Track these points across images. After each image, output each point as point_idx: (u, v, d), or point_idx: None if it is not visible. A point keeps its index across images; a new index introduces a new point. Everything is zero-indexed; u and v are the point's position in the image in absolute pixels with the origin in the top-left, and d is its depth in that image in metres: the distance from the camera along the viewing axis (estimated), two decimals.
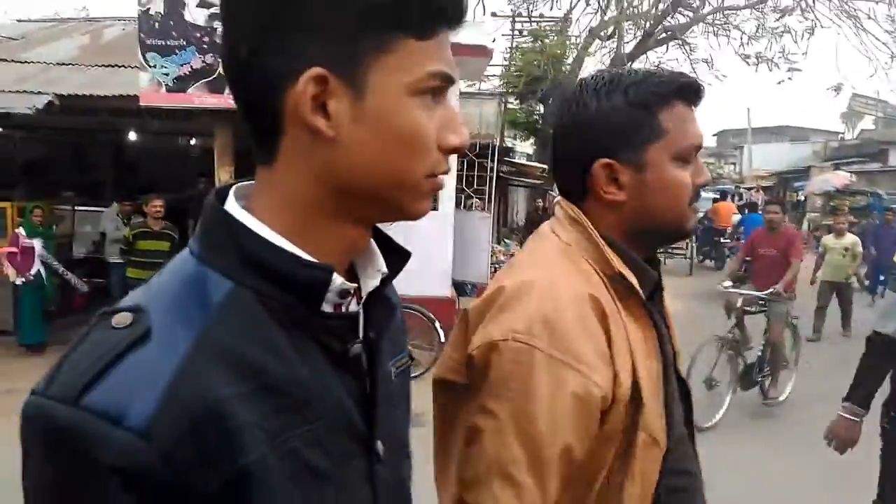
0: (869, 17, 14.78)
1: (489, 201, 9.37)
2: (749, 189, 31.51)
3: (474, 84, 12.99)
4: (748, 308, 6.25)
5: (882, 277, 12.16)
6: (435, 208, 7.74)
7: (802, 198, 25.74)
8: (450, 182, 7.87)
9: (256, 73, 0.66)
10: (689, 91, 1.13)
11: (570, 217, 1.16)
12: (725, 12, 15.59)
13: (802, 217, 22.61)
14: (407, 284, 6.64)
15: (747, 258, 7.00)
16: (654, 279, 1.18)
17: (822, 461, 4.67)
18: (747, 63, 16.32)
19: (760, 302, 6.22)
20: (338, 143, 0.67)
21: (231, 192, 0.73)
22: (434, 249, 7.41)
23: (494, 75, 16.41)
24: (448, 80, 0.70)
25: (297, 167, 0.69)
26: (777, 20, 15.42)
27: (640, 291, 1.11)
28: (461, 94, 10.91)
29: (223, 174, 7.09)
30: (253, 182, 0.73)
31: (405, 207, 0.72)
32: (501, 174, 11.59)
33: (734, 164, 45.94)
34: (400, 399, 0.85)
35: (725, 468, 4.46)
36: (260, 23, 0.66)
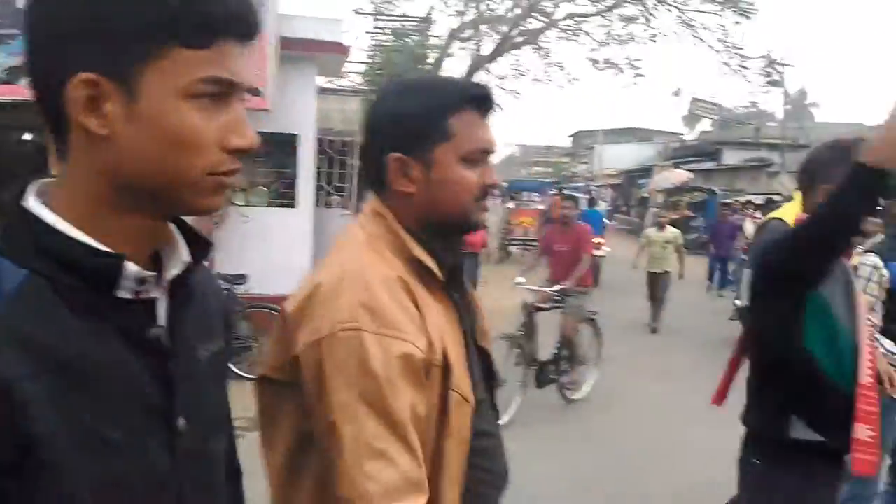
0: (704, 28, 16.04)
1: (350, 198, 9.35)
2: (599, 187, 33.32)
3: (333, 81, 12.90)
4: (542, 305, 6.17)
5: (720, 268, 13.23)
6: (293, 206, 7.65)
7: (646, 194, 27.54)
8: (308, 180, 7.78)
9: (43, 76, 0.74)
10: (480, 100, 1.27)
11: (374, 210, 1.28)
12: (576, 19, 16.36)
13: (646, 212, 24.16)
14: (266, 283, 6.53)
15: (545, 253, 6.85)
16: (451, 263, 1.30)
17: (617, 458, 5.03)
18: (597, 68, 17.25)
19: (556, 298, 6.16)
20: (114, 141, 0.73)
21: (30, 188, 0.78)
22: (293, 247, 7.30)
23: (357, 72, 16.38)
24: (229, 86, 0.76)
25: (83, 163, 0.75)
26: (623, 28, 16.40)
27: (439, 273, 1.23)
28: (321, 90, 10.80)
29: (58, 170, 6.63)
30: (54, 178, 0.79)
31: (188, 203, 0.78)
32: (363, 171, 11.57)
33: (586, 163, 48.27)
34: (212, 380, 0.91)
35: (518, 468, 4.69)
36: (45, 30, 0.73)
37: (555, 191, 17.16)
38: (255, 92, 6.75)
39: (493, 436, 1.33)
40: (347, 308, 1.10)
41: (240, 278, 6.33)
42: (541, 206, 18.38)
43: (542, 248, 6.90)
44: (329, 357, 1.08)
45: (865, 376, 2.03)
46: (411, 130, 1.22)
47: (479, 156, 1.25)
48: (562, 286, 5.96)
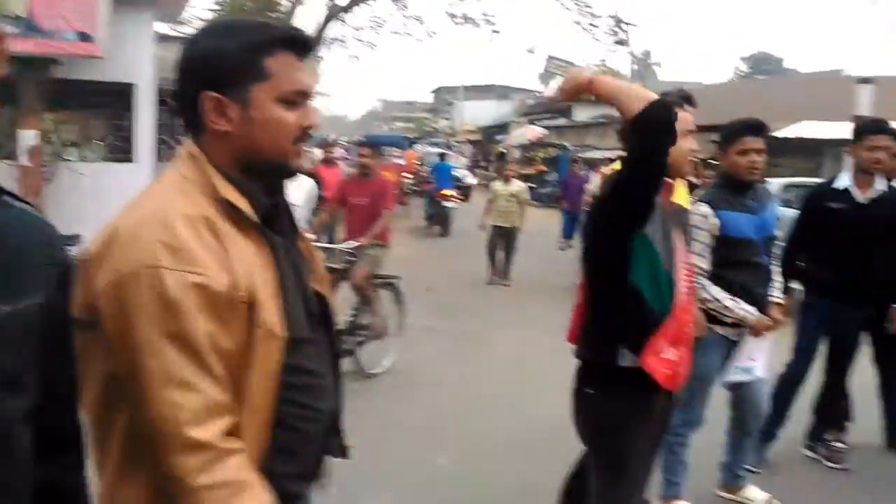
0: None
1: None
2: (460, 142, 33.83)
3: (176, 28, 12.13)
4: (334, 265, 5.34)
5: (570, 221, 13.77)
6: (131, 161, 7.20)
7: (504, 150, 28.30)
8: (148, 133, 7.34)
9: None
10: (295, 42, 1.28)
11: (188, 152, 1.28)
12: None
13: (505, 167, 24.83)
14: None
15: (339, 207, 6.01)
16: (269, 205, 1.31)
17: (472, 400, 5.23)
18: (455, 22, 17.30)
19: (350, 257, 5.52)
20: None
21: None
22: None
23: (205, 19, 15.47)
24: None
25: None
26: None
27: (251, 214, 1.24)
28: (162, 37, 10.12)
29: None
30: None
31: None
32: None
33: (448, 118, 48.70)
34: (11, 338, 0.87)
35: (371, 412, 4.70)
36: None
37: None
38: (86, 38, 6.24)
39: (319, 375, 1.36)
40: (147, 247, 1.12)
41: (73, 238, 5.89)
42: (400, 161, 18.54)
43: (336, 201, 5.99)
44: (129, 296, 1.11)
45: (679, 307, 2.28)
46: (227, 69, 1.23)
47: (296, 97, 1.27)
48: (357, 243, 5.41)
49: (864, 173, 3.87)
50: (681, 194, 2.58)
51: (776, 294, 3.38)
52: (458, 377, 5.61)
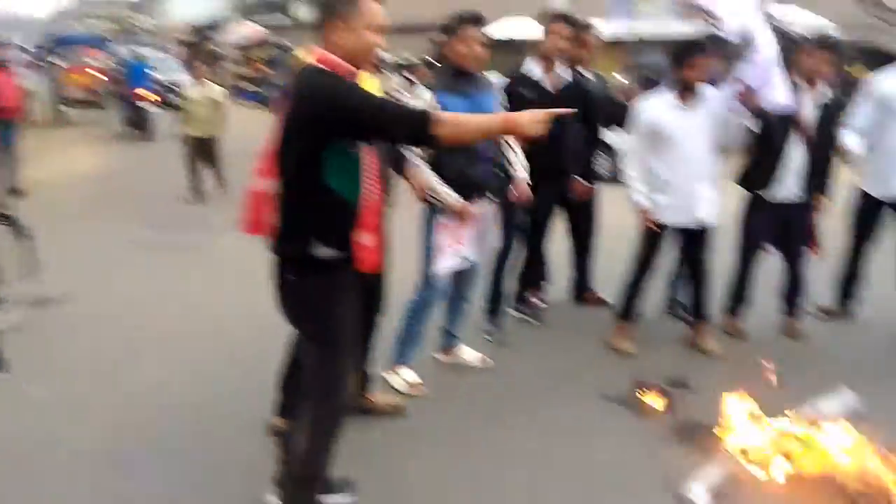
0: None
1: None
2: (170, 44, 30.96)
3: None
4: None
5: None
6: None
7: (220, 51, 26.48)
8: None
9: None
10: None
11: None
12: None
13: (221, 70, 23.28)
14: None
15: None
16: None
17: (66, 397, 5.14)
18: None
19: None
20: None
21: None
22: None
23: None
24: None
25: None
26: None
27: None
28: None
29: None
30: None
31: None
32: None
33: (152, 16, 44.28)
34: None
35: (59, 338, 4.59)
36: None
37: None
38: None
39: None
40: None
41: None
42: (93, 62, 16.60)
43: None
44: None
45: (369, 197, 2.38)
46: None
47: None
48: None
49: (546, 60, 4.26)
50: (369, 85, 2.60)
51: (518, 170, 3.88)
52: (178, 289, 5.33)
